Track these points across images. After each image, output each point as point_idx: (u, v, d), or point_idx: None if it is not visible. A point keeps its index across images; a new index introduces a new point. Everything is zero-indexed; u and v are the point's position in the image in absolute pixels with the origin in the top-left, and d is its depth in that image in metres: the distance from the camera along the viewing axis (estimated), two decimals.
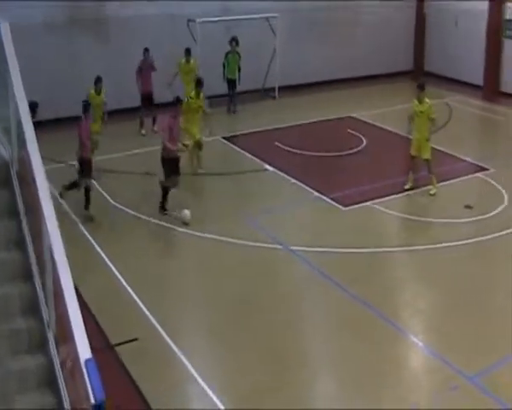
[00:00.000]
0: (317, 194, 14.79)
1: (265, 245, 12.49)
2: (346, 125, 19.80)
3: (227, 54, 20.56)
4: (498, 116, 21.74)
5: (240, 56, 20.59)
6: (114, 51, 19.82)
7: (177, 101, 14.04)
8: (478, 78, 23.79)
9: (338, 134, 19.19)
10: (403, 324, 10.34)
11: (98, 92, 16.06)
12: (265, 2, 21.88)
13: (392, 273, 11.95)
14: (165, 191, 13.74)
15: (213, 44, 20.29)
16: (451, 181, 15.62)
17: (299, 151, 17.48)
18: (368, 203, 14.33)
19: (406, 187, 14.96)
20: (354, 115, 20.73)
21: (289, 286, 11.37)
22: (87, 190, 13.46)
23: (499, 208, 14.13)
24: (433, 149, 15.08)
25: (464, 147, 17.85)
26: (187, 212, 13.34)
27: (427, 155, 14.74)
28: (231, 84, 20.80)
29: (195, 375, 8.99)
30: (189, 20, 20.64)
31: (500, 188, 15.13)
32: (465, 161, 16.97)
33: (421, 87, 14.77)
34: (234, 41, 20.47)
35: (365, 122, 20.11)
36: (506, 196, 14.65)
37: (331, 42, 23.88)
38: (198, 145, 15.83)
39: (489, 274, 11.96)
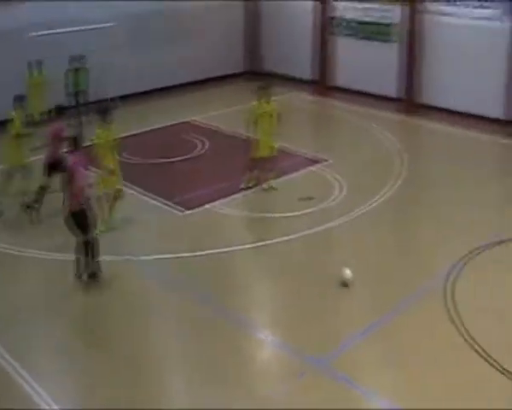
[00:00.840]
0: (159, 200, 14.59)
1: (109, 258, 12.11)
2: (186, 129, 19.73)
3: (74, 70, 19.84)
4: (331, 110, 22.50)
5: (87, 72, 20.01)
6: None
7: (75, 141, 11.43)
8: (310, 73, 24.61)
9: (178, 139, 19.05)
10: (251, 320, 10.39)
11: (20, 113, 14.15)
12: (101, 13, 21.43)
13: (239, 272, 11.98)
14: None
15: (49, 57, 19.55)
16: (292, 175, 15.96)
17: (138, 160, 17.18)
18: (210, 205, 14.33)
19: (249, 185, 15.04)
20: (193, 119, 20.69)
21: (136, 296, 11.09)
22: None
23: (338, 197, 14.58)
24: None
25: (301, 141, 18.28)
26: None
27: (273, 151, 14.89)
28: (79, 95, 20.09)
29: (46, 396, 8.56)
30: (21, 34, 19.81)
31: (338, 177, 15.62)
32: (303, 154, 17.38)
33: (265, 88, 14.88)
34: (80, 59, 19.84)
35: (205, 126, 20.13)
36: (344, 185, 15.14)
37: (167, 48, 23.71)
38: (117, 194, 13.27)
39: (331, 260, 12.27)
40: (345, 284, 11.12)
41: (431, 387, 8.73)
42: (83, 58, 20.01)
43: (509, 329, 10.08)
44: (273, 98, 14.98)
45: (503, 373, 8.93)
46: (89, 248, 11.25)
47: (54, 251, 12.25)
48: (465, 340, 9.63)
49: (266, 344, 9.96)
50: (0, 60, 19.31)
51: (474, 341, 9.57)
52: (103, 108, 13.42)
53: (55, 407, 8.42)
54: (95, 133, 13.08)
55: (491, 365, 9.10)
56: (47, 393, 8.64)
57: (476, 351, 9.37)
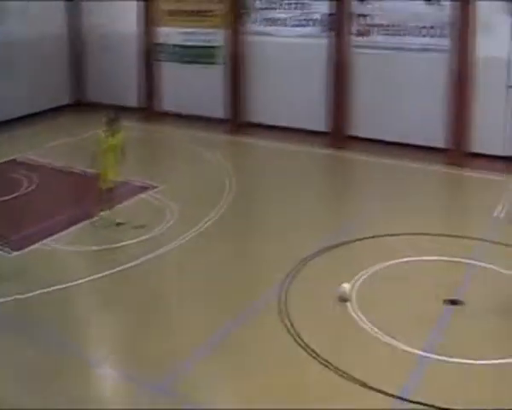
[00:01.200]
0: None
1: None
2: (13, 167, 19.00)
3: None
4: (160, 136, 22.59)
5: None
6: None
7: None
8: (138, 101, 24.61)
9: (4, 179, 18.30)
10: (90, 355, 10.18)
11: None
12: None
13: (75, 307, 11.67)
14: None
15: None
16: (124, 204, 15.73)
17: None
18: (42, 243, 13.89)
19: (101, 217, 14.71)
20: (20, 156, 19.98)
21: None
22: None
23: (170, 222, 14.62)
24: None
25: (133, 169, 17.98)
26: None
27: (113, 183, 14.69)
28: None
29: None
30: None
31: (170, 203, 15.69)
32: (135, 182, 17.28)
33: (115, 120, 14.60)
34: None
35: (32, 162, 19.49)
36: (175, 210, 15.25)
37: None
38: None
39: (164, 286, 12.31)
40: (344, 300, 11.24)
41: (274, 395, 8.96)
42: None
43: (337, 330, 10.63)
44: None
45: (336, 372, 9.35)
46: None
47: None
48: (299, 345, 9.99)
49: (108, 378, 9.77)
50: None
51: (307, 346, 9.94)
52: None
53: None
54: None
55: (325, 366, 9.48)
56: None
57: (310, 355, 9.74)
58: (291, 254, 12.91)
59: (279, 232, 14.20)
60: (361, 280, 11.95)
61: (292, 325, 10.57)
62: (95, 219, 14.71)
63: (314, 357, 9.71)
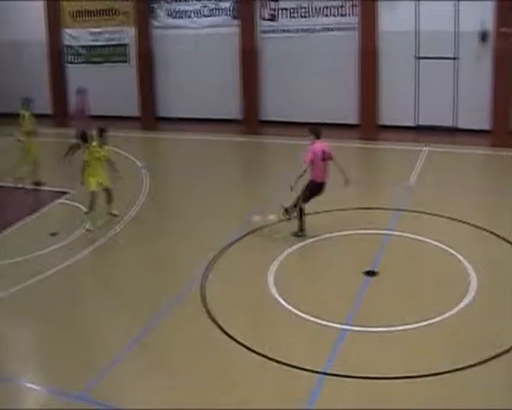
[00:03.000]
0: None
1: None
2: None
3: None
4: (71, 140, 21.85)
5: None
6: None
7: None
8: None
9: None
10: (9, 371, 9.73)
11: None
12: None
13: None
14: None
15: None
16: (36, 213, 15.27)
17: None
18: None
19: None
20: None
21: None
22: None
23: (85, 227, 14.06)
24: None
25: (44, 175, 17.44)
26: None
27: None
28: None
29: None
30: None
31: (82, 208, 14.90)
32: (45, 190, 16.81)
33: (104, 131, 14.25)
34: None
35: None
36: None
37: None
38: None
39: (82, 293, 11.98)
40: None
41: (200, 385, 8.78)
42: None
43: (258, 316, 10.59)
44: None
45: (261, 356, 9.25)
46: None
47: None
48: (223, 332, 9.86)
49: (31, 393, 9.25)
50: None
51: (231, 332, 9.81)
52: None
53: None
54: None
55: (250, 350, 9.38)
56: None
57: (235, 341, 9.62)
58: (210, 244, 12.78)
59: (190, 228, 13.97)
60: (279, 262, 11.96)
61: (214, 313, 10.42)
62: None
63: (238, 342, 9.59)
